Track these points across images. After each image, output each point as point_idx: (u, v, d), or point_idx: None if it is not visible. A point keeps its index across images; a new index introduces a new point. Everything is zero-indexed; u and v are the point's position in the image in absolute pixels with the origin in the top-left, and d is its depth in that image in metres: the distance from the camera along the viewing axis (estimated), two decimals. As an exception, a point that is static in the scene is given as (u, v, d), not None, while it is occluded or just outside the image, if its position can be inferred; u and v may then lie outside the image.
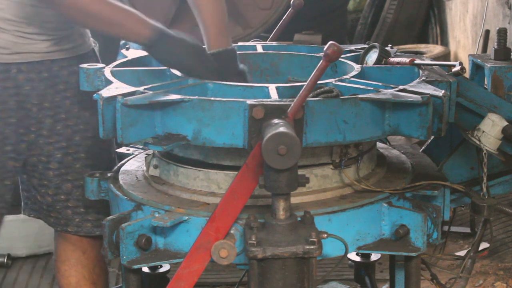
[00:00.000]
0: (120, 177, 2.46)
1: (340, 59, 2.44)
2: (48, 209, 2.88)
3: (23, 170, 2.83)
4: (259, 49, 2.85)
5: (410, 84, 2.29)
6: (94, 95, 2.18)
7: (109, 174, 2.51)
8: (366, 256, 2.99)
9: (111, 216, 2.23)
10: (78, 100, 2.79)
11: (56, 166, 2.82)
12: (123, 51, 2.81)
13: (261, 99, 2.08)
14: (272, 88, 2.24)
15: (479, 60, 2.73)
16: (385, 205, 2.23)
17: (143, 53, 2.74)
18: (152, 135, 2.16)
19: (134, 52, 2.76)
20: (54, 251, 3.04)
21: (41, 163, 2.81)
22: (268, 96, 2.20)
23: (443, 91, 2.20)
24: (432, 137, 2.67)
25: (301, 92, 2.02)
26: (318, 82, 2.09)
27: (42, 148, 2.80)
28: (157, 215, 2.18)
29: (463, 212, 4.51)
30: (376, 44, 2.66)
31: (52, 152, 2.80)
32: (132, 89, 2.23)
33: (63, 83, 2.77)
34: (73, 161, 2.83)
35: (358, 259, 3.01)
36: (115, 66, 2.56)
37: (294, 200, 2.15)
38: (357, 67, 2.51)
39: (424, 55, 5.10)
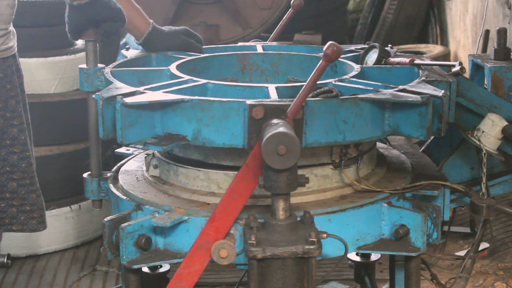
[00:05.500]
0: (120, 177, 2.46)
1: (340, 59, 2.44)
2: None
3: None
4: (259, 49, 2.85)
5: (410, 84, 2.29)
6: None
7: (109, 174, 2.52)
8: (366, 256, 2.99)
9: (111, 216, 2.22)
10: None
11: None
12: (123, 51, 2.80)
13: (261, 99, 2.08)
14: (272, 88, 2.24)
15: (479, 60, 2.73)
16: (385, 205, 2.23)
17: (143, 53, 2.74)
18: (152, 135, 2.16)
19: (134, 52, 2.76)
20: None
21: None
22: (268, 96, 2.19)
23: (442, 91, 2.20)
24: (432, 137, 2.67)
25: (300, 92, 2.02)
26: (318, 82, 2.09)
27: None
28: (157, 215, 2.18)
29: (463, 212, 4.51)
30: (376, 44, 2.66)
31: None
32: (132, 89, 2.23)
33: None
34: None
35: (358, 259, 3.01)
36: (115, 66, 2.56)
37: (294, 200, 2.15)
38: (357, 67, 2.50)
39: (424, 55, 5.10)
